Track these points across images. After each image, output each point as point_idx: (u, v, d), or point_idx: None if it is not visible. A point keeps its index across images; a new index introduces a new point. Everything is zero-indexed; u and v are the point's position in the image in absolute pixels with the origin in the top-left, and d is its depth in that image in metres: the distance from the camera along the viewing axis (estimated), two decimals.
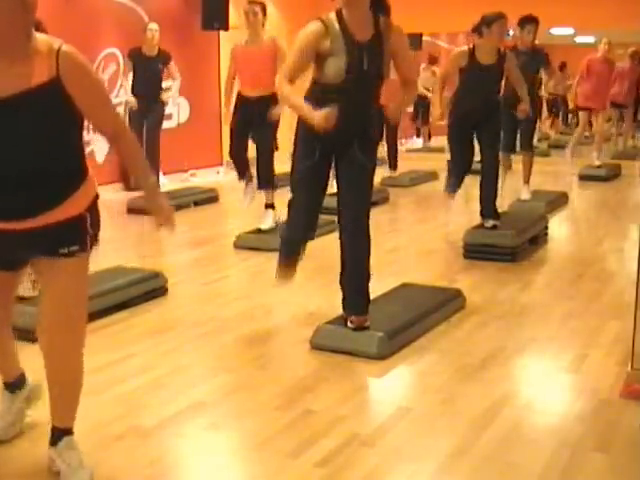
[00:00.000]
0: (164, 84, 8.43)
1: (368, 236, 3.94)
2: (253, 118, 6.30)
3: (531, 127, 7.92)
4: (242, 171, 6.64)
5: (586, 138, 11.50)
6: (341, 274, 4.01)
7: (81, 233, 2.56)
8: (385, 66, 3.78)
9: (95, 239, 2.64)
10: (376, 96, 3.86)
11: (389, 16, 3.79)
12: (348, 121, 3.71)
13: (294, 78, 3.74)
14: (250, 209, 6.82)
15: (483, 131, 6.10)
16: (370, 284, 4.03)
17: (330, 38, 3.67)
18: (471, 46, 5.99)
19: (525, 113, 6.49)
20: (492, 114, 6.10)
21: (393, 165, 10.25)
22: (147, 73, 8.06)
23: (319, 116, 3.54)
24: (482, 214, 6.15)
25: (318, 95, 3.75)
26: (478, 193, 6.20)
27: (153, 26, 8.10)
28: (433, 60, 13.36)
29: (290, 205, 4.09)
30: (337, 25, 3.69)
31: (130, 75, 8.23)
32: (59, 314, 2.60)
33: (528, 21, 7.34)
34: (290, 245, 4.15)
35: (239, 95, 6.41)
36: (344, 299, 4.01)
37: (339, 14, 3.72)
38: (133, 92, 8.11)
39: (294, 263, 4.17)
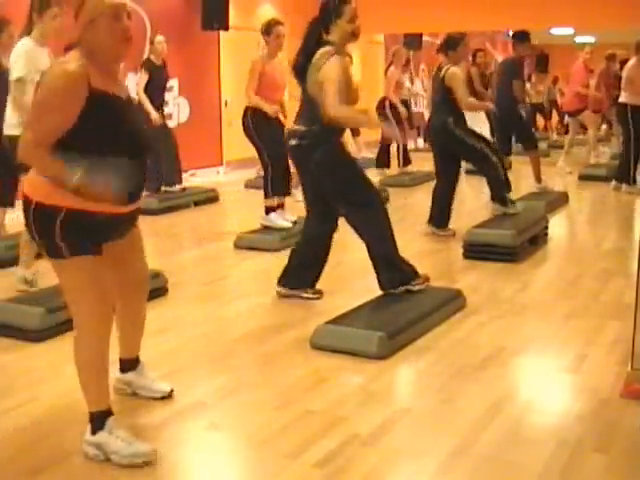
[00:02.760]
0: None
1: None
2: None
3: (524, 127, 8.05)
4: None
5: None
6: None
7: None
8: None
9: None
10: None
11: None
12: None
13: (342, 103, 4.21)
14: (250, 209, 6.82)
15: None
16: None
17: None
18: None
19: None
20: None
21: (386, 164, 10.45)
22: (161, 82, 8.40)
23: (370, 119, 4.57)
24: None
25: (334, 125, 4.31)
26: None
27: (161, 38, 8.46)
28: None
29: None
30: None
31: (142, 85, 8.33)
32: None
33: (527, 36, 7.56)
34: None
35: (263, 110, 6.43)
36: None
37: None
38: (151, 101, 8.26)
39: None
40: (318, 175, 4.44)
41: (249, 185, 9.48)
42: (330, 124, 4.25)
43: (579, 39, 16.70)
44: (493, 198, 6.70)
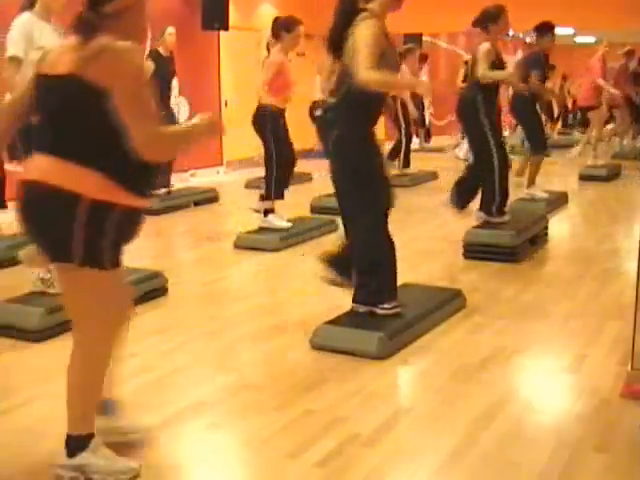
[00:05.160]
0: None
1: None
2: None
3: (537, 126, 7.90)
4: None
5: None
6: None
7: None
8: None
9: None
10: None
11: None
12: None
13: (376, 68, 3.72)
14: (249, 209, 6.81)
15: None
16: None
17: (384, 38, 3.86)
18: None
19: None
20: None
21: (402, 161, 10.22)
22: (166, 74, 8.33)
23: (426, 84, 4.11)
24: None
25: (372, 96, 3.83)
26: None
27: (172, 30, 8.44)
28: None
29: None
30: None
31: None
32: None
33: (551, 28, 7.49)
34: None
35: (279, 109, 6.41)
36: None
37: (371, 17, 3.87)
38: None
39: None
40: (331, 153, 4.07)
41: (249, 185, 9.48)
42: (359, 101, 3.85)
43: (579, 39, 16.70)
44: (481, 207, 6.26)
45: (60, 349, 3.96)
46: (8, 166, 6.58)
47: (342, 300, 4.51)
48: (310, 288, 5.18)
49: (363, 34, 3.76)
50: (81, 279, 2.53)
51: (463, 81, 12.58)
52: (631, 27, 11.32)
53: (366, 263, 4.10)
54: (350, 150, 3.95)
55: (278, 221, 6.54)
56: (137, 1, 2.56)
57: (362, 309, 4.14)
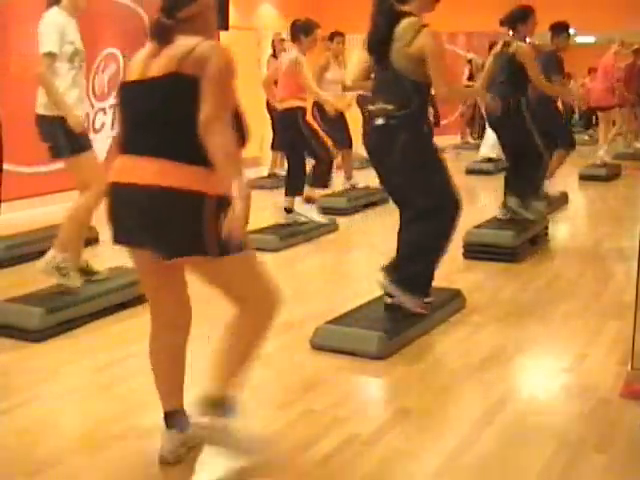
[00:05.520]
0: None
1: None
2: None
3: (561, 124, 7.89)
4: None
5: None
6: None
7: None
8: None
9: None
10: None
11: None
12: None
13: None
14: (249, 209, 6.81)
15: None
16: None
17: None
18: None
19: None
20: None
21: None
22: None
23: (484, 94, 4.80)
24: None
25: (425, 100, 4.10)
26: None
27: None
28: None
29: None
30: None
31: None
32: None
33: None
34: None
35: (305, 109, 6.72)
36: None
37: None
38: None
39: None
40: (399, 159, 4.06)
41: (249, 185, 9.47)
42: (418, 106, 4.00)
43: (579, 39, 16.70)
44: (516, 197, 6.15)
45: (60, 349, 3.98)
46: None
47: (342, 300, 4.52)
48: (310, 288, 5.19)
49: (433, 47, 3.90)
50: (235, 263, 2.69)
51: (468, 79, 12.51)
52: (632, 27, 11.33)
53: (416, 249, 4.22)
54: (419, 151, 4.08)
55: (307, 213, 6.73)
56: (208, 6, 2.66)
57: (390, 287, 4.18)
